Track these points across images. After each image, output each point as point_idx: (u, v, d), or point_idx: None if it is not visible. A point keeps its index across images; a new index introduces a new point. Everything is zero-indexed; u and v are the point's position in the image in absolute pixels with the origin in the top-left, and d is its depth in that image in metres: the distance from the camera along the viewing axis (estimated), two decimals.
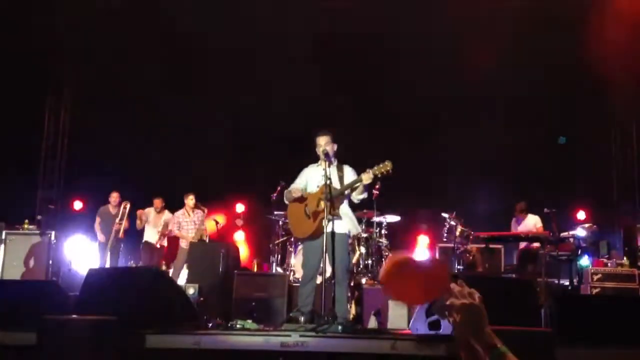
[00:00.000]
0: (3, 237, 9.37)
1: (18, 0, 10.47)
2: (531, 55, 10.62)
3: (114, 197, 10.18)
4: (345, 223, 5.95)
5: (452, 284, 1.68)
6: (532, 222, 9.76)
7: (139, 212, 10.31)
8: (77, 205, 11.39)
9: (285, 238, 9.57)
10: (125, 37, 10.82)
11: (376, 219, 9.09)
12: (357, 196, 6.02)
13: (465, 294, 1.66)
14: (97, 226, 10.10)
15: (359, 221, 8.91)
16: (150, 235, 10.27)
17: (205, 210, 10.11)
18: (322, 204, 5.78)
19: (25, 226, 9.76)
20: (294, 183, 6.21)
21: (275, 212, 9.25)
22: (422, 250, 10.55)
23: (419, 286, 1.70)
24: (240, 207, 12.03)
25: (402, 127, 11.19)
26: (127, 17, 10.61)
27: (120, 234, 9.93)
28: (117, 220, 9.94)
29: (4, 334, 4.93)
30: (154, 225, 10.29)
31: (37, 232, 9.67)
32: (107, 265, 9.68)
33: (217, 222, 10.24)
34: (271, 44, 10.89)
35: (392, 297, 1.82)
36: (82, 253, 10.11)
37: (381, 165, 5.64)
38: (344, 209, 5.99)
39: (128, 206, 10.05)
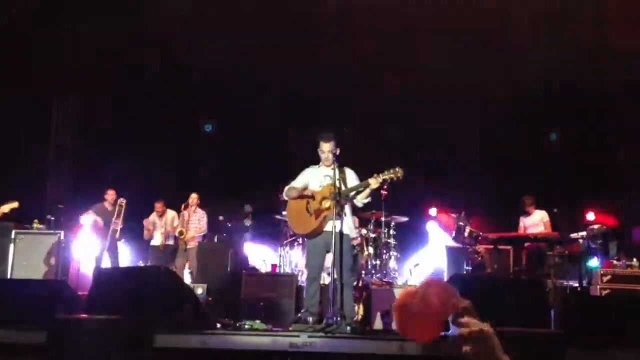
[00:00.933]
0: (12, 236, 9.39)
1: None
2: (534, 51, 10.66)
3: (110, 194, 10.12)
4: (345, 224, 5.92)
5: (463, 318, 1.62)
6: (538, 217, 9.69)
7: (145, 222, 10.32)
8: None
9: (293, 238, 9.58)
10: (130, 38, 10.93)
11: (384, 219, 9.09)
12: (362, 200, 6.01)
13: (474, 323, 1.60)
14: (93, 224, 10.09)
15: (368, 222, 8.95)
16: (157, 239, 10.27)
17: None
18: (326, 202, 5.80)
19: (35, 226, 9.78)
20: (295, 181, 6.22)
21: (284, 213, 9.25)
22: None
23: (429, 317, 1.64)
24: (248, 207, 12.02)
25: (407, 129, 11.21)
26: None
27: (117, 235, 9.93)
28: (114, 219, 9.90)
29: (15, 333, 4.96)
30: (160, 228, 10.29)
31: (47, 231, 9.70)
32: (103, 263, 9.73)
33: (223, 221, 10.26)
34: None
35: (411, 337, 1.76)
36: (91, 253, 10.12)
37: (392, 171, 5.63)
38: (347, 212, 5.98)
39: (124, 203, 10.02)
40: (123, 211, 9.98)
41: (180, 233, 9.86)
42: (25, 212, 10.16)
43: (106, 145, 11.39)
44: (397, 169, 5.62)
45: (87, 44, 10.96)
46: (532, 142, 11.21)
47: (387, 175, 5.63)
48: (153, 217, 10.33)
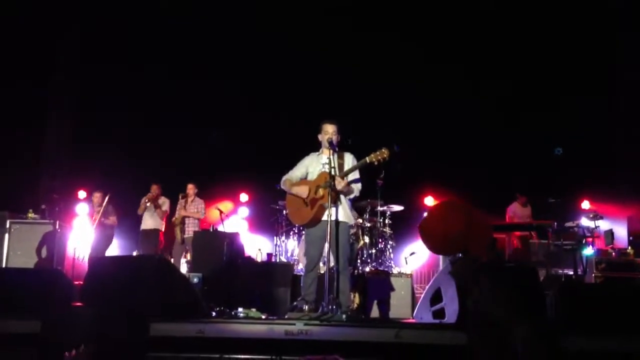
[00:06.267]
0: (7, 226, 9.38)
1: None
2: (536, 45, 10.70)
3: (97, 196, 10.08)
4: (343, 212, 5.89)
5: None
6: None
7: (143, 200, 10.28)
8: (82, 194, 11.39)
9: (288, 228, 9.59)
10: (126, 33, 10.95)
11: (380, 209, 9.09)
12: (347, 196, 5.96)
13: None
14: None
15: (364, 210, 8.93)
16: (148, 222, 10.23)
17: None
18: (321, 191, 5.76)
19: (30, 215, 9.77)
20: (292, 171, 6.15)
21: (280, 202, 9.24)
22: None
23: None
24: (244, 197, 12.03)
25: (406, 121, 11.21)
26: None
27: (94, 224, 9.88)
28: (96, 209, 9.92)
29: (9, 322, 4.94)
30: (150, 211, 10.24)
31: (41, 221, 9.68)
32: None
33: (221, 212, 10.24)
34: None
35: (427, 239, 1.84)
36: (86, 242, 10.10)
37: (377, 153, 5.56)
38: (343, 199, 5.93)
39: (107, 198, 9.95)
40: (104, 205, 9.92)
41: (175, 220, 9.92)
42: (19, 201, 10.16)
43: (101, 134, 11.33)
44: (382, 150, 5.55)
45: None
46: (531, 140, 11.22)
47: (373, 157, 5.58)
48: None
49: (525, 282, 5.38)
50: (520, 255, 9.55)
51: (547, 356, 4.17)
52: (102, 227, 9.91)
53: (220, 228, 9.91)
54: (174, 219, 10.07)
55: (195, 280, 7.22)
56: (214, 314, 5.88)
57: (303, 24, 11.13)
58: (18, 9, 10.61)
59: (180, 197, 10.20)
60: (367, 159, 5.61)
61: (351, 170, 5.78)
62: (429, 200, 11.38)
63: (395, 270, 8.59)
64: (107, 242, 10.11)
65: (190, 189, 10.24)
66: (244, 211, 11.93)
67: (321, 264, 6.39)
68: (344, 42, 11.07)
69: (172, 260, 9.55)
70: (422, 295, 6.64)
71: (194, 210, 10.14)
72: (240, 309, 6.14)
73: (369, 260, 8.64)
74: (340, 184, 5.64)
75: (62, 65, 11.82)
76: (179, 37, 11.23)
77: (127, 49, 11.36)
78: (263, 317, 5.97)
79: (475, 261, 5.85)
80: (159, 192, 10.23)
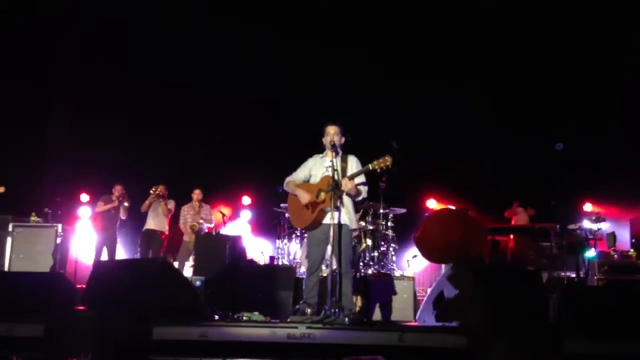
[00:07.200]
0: (10, 229, 9.40)
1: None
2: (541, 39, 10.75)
3: (118, 189, 10.00)
4: (345, 215, 5.90)
5: None
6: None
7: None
8: (84, 197, 11.39)
9: (291, 230, 9.59)
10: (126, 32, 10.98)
11: (382, 211, 9.09)
12: (356, 198, 5.96)
13: None
14: (99, 208, 10.01)
15: (366, 213, 8.94)
16: (151, 223, 10.21)
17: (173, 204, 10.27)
18: (322, 195, 5.77)
19: (32, 219, 9.78)
20: (295, 173, 6.16)
21: (282, 205, 9.24)
22: None
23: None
24: (246, 200, 12.03)
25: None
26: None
27: (122, 214, 9.91)
28: (120, 201, 9.90)
29: (13, 326, 4.96)
30: (154, 212, 10.24)
31: (44, 224, 9.69)
32: (104, 253, 9.74)
33: (223, 215, 10.25)
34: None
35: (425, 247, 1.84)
36: (89, 246, 10.11)
37: (381, 160, 5.58)
38: (346, 202, 5.95)
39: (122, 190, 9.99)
40: (124, 194, 9.95)
41: (194, 227, 9.92)
42: (22, 205, 10.16)
43: (104, 135, 11.33)
44: (386, 157, 5.57)
45: None
46: (532, 142, 11.21)
47: (376, 164, 5.59)
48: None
49: (529, 285, 5.39)
50: (522, 257, 9.53)
51: None
52: (119, 223, 9.93)
53: (223, 231, 9.92)
54: (192, 224, 10.02)
55: (198, 283, 7.22)
56: (216, 317, 5.89)
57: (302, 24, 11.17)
58: (18, 9, 10.62)
59: (194, 205, 10.23)
60: (370, 166, 5.62)
61: (355, 176, 5.78)
62: (431, 203, 11.36)
63: (397, 273, 8.59)
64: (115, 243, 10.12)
65: (198, 194, 10.25)
66: (247, 214, 11.93)
67: (323, 267, 6.39)
68: (343, 41, 11.06)
69: (176, 263, 9.54)
70: (425, 299, 6.64)
71: (207, 216, 10.18)
72: (243, 312, 6.14)
73: (371, 263, 8.64)
74: (346, 186, 5.65)
75: (62, 65, 11.82)
76: (180, 37, 11.23)
77: (128, 49, 11.36)
78: (266, 320, 5.98)
79: (478, 263, 5.86)
80: (165, 192, 10.21)
